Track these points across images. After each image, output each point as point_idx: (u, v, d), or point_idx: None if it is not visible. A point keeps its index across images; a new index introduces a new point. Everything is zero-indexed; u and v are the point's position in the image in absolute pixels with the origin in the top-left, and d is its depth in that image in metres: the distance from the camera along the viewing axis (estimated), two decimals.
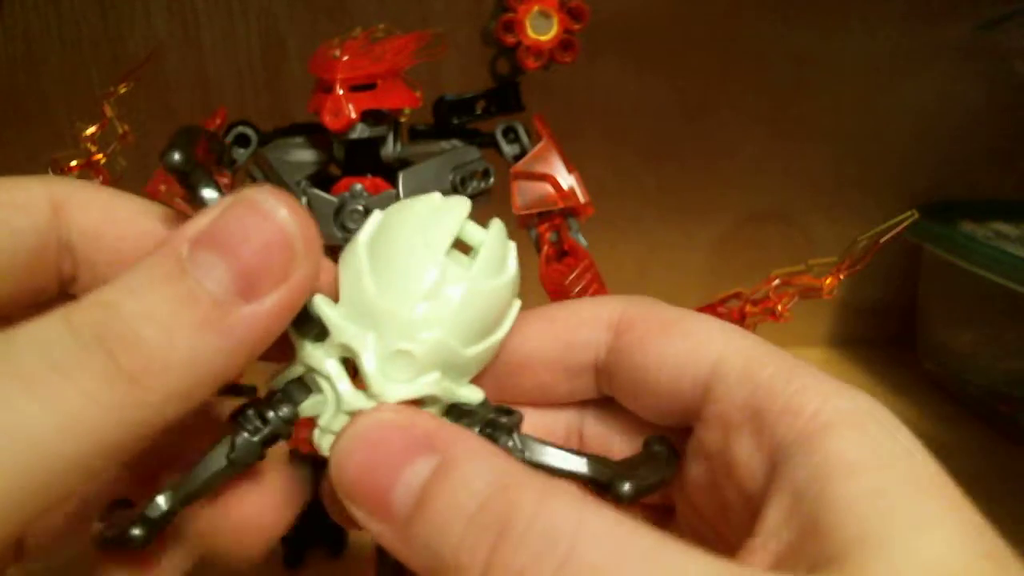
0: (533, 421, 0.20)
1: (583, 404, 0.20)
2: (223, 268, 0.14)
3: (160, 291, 0.14)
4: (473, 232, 0.18)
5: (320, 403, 0.17)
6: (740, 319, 0.31)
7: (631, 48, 0.47)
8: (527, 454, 0.17)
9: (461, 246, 0.18)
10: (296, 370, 0.18)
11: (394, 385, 0.17)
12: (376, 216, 0.19)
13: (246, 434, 0.16)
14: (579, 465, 0.17)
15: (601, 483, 0.17)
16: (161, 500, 0.16)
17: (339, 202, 0.30)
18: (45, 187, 0.17)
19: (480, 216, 0.33)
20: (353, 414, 0.17)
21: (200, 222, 0.15)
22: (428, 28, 0.31)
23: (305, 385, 0.18)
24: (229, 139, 0.32)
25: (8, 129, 0.45)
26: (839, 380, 0.16)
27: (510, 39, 0.30)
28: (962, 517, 0.13)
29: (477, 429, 0.17)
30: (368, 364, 0.17)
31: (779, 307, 0.30)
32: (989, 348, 0.48)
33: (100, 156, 0.33)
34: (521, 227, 0.33)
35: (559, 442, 0.18)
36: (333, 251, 0.32)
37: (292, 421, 0.17)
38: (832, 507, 0.13)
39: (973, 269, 0.45)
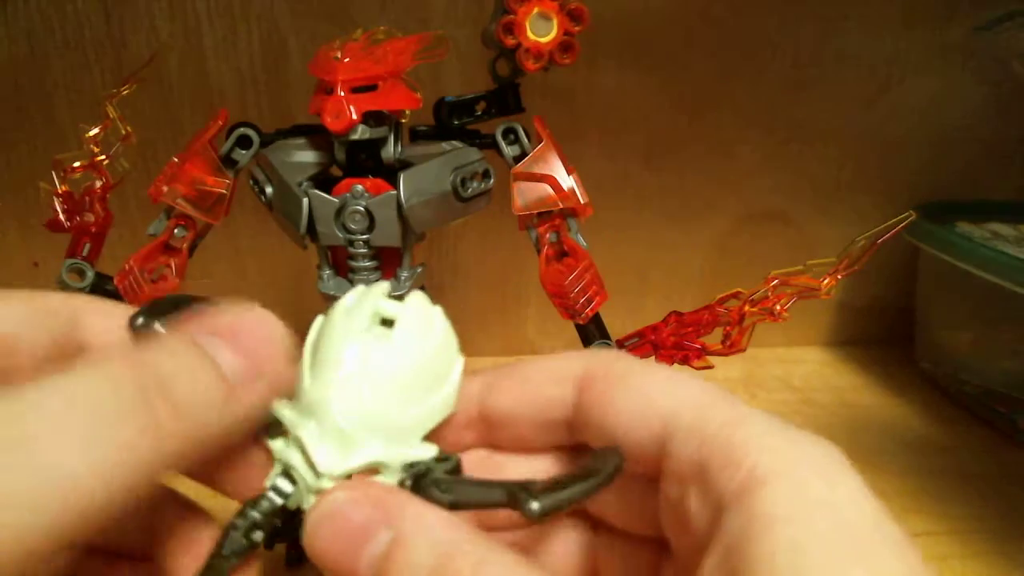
0: (522, 469, 0.21)
1: (576, 447, 0.21)
2: (230, 352, 0.17)
3: (185, 358, 0.17)
4: (388, 307, 0.20)
5: (299, 493, 0.19)
6: (739, 319, 0.31)
7: (630, 49, 0.48)
8: (451, 498, 0.18)
9: (389, 324, 0.20)
10: (277, 467, 0.19)
11: (337, 463, 0.18)
12: (318, 320, 0.20)
13: (235, 532, 0.18)
14: (497, 495, 0.17)
15: (515, 505, 0.17)
16: None
17: (340, 203, 0.30)
18: (65, 301, 0.19)
19: (481, 216, 0.33)
20: (318, 493, 0.18)
21: (216, 319, 0.18)
22: (429, 30, 0.31)
23: (291, 478, 0.19)
24: (231, 141, 0.33)
25: (12, 130, 0.45)
26: (794, 427, 0.16)
27: (510, 41, 0.30)
28: (878, 571, 0.14)
29: (409, 484, 0.18)
30: (311, 449, 0.18)
31: (778, 307, 0.30)
32: (986, 348, 0.48)
33: (103, 157, 0.33)
34: (521, 228, 0.33)
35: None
36: (335, 250, 0.33)
37: (273, 513, 0.19)
38: (751, 563, 0.14)
39: (971, 269, 0.45)
